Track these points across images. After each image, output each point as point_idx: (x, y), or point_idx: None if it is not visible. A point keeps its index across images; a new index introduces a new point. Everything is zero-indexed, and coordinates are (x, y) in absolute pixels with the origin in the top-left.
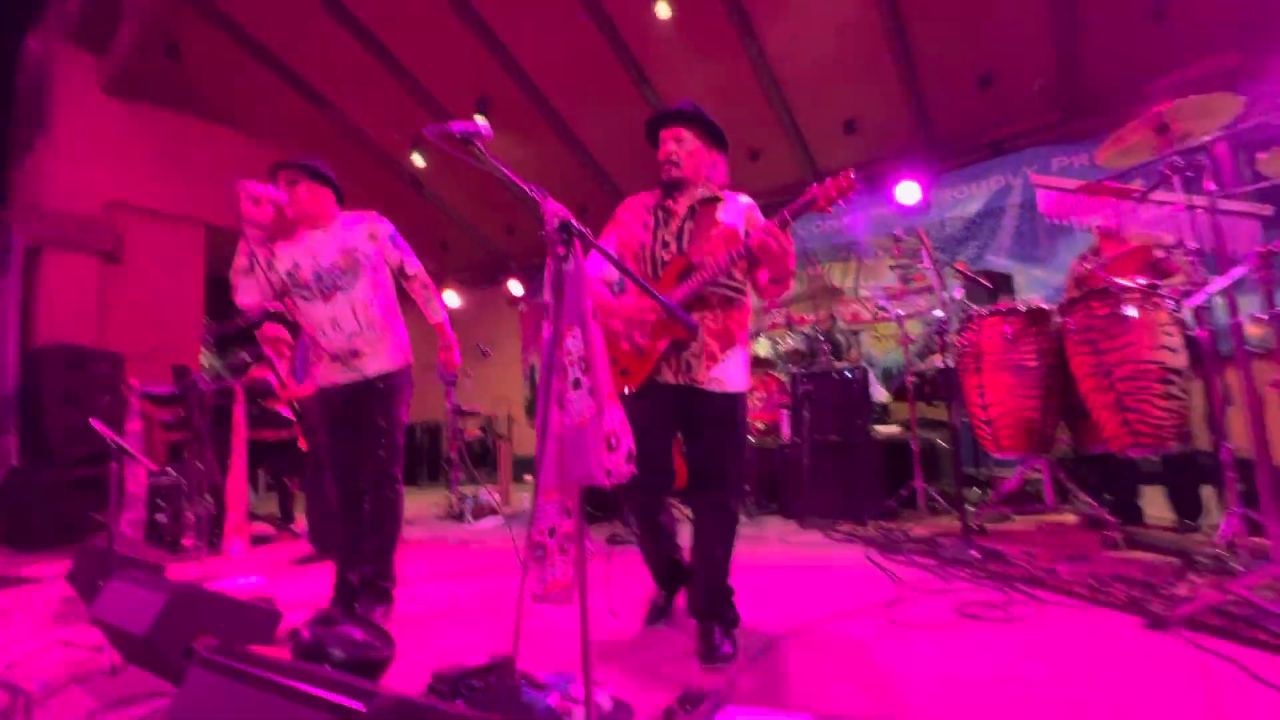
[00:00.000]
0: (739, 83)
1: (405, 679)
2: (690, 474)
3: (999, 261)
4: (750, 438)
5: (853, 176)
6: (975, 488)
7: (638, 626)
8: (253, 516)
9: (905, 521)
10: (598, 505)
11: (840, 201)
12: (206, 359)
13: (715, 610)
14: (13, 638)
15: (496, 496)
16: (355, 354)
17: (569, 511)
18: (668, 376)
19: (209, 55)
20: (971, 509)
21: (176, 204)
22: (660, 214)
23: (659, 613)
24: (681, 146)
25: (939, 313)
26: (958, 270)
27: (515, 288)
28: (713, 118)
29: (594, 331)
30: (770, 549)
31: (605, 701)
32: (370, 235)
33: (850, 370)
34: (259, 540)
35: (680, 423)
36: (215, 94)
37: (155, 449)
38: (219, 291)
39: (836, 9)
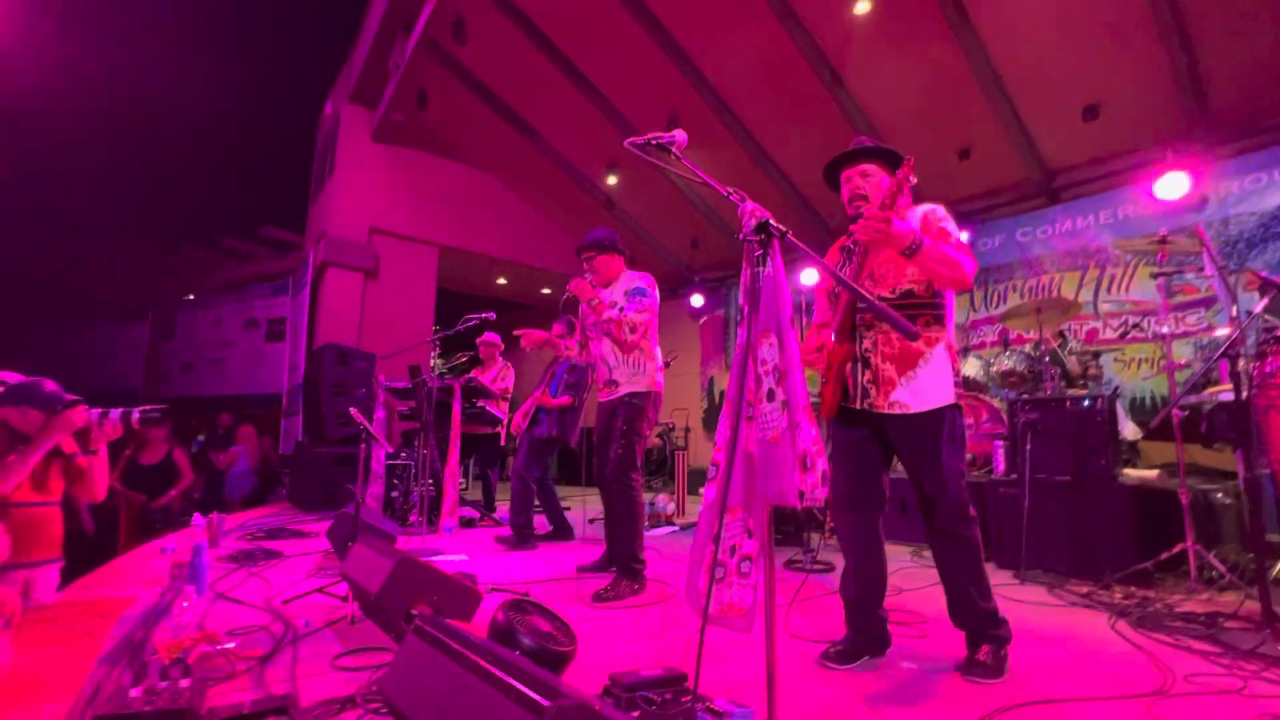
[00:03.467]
0: (948, 75)
1: (583, 676)
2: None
3: None
4: None
5: (910, 161)
6: None
7: (814, 659)
8: (462, 502)
9: (1166, 592)
10: (775, 528)
11: (908, 191)
12: (435, 360)
13: (980, 630)
14: (289, 580)
15: (672, 506)
16: (613, 384)
17: (750, 532)
18: (855, 403)
19: (447, 101)
20: (1278, 588)
21: (417, 228)
22: (845, 253)
23: (840, 656)
24: (868, 180)
25: (1223, 331)
26: (1257, 276)
27: (697, 300)
28: (894, 131)
29: (790, 340)
30: None
31: None
32: (625, 292)
33: (1090, 399)
34: (465, 523)
35: (884, 448)
36: (450, 134)
37: (394, 436)
38: (446, 302)
39: None
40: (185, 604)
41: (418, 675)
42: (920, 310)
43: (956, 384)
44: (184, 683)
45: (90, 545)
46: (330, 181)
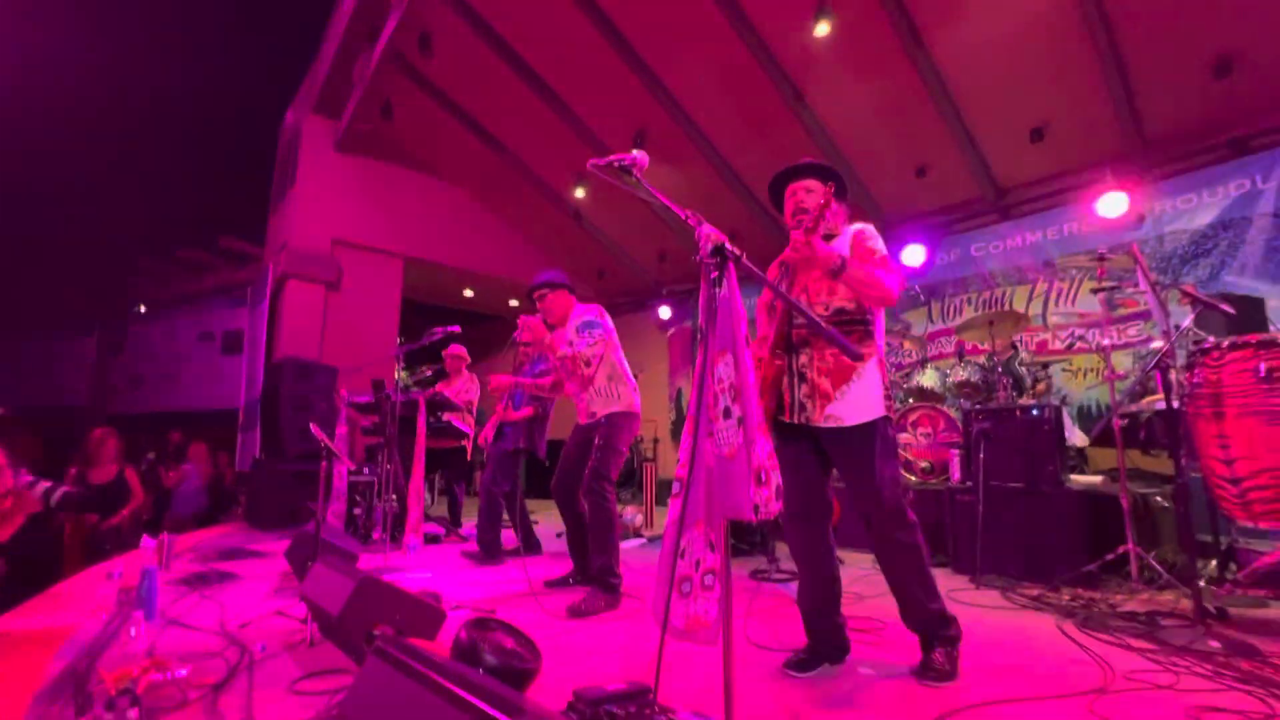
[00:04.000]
0: (905, 95)
1: (548, 693)
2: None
3: (1242, 283)
4: (911, 476)
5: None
6: (1212, 560)
7: (777, 667)
8: (427, 518)
9: (1110, 592)
10: (741, 539)
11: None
12: (399, 374)
13: (931, 632)
14: (244, 602)
15: (640, 518)
16: (591, 414)
17: (713, 545)
18: (790, 417)
19: (412, 111)
20: (1208, 586)
21: (382, 239)
22: (783, 268)
23: (800, 664)
24: (811, 197)
25: (1157, 343)
26: (1185, 293)
27: (664, 312)
28: (856, 149)
29: (745, 359)
30: None
31: None
32: (576, 328)
33: (1039, 408)
34: (430, 539)
35: (821, 460)
36: (415, 144)
37: (357, 451)
38: (411, 314)
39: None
40: (133, 631)
41: (378, 697)
42: (852, 326)
43: (886, 396)
44: (131, 714)
45: (31, 569)
46: (291, 192)
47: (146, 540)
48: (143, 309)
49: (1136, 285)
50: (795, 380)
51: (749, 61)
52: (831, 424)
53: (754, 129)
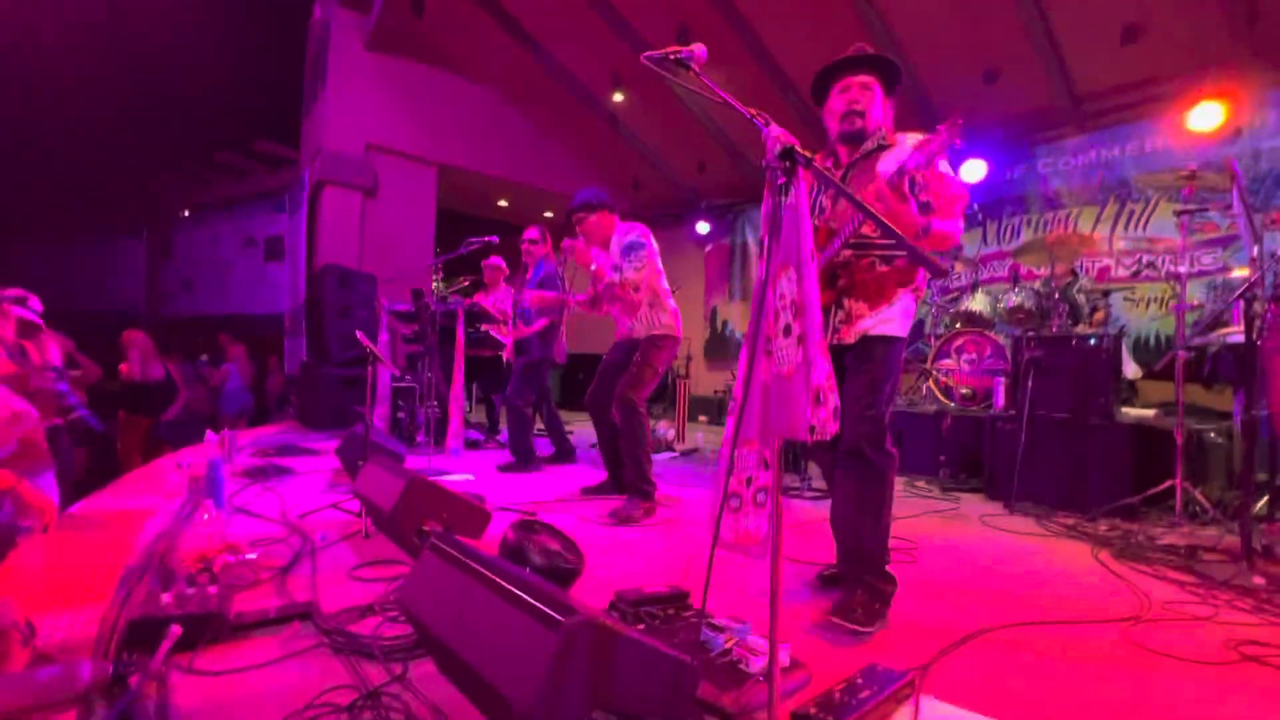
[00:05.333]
0: None
1: (589, 593)
2: None
3: None
4: (950, 401)
5: (959, 123)
6: (1264, 497)
7: (810, 580)
8: (467, 424)
9: (1150, 525)
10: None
11: (945, 154)
12: (436, 283)
13: (859, 575)
14: (303, 496)
15: (672, 432)
16: (631, 331)
17: (766, 463)
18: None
19: (444, 7)
20: (1258, 525)
21: (416, 145)
22: (820, 182)
23: (833, 579)
24: (866, 94)
25: (1240, 272)
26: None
27: (702, 227)
28: (919, 49)
29: (809, 274)
30: (968, 530)
31: (784, 657)
32: (620, 250)
33: (1096, 337)
34: (470, 445)
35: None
36: (447, 44)
37: (398, 358)
38: (445, 223)
39: None
40: (205, 516)
41: (434, 589)
42: (898, 251)
43: (932, 318)
44: (211, 589)
45: (99, 465)
46: (323, 93)
47: (210, 435)
48: (186, 214)
49: (1227, 208)
50: (833, 308)
51: None
52: (854, 338)
53: (807, 23)
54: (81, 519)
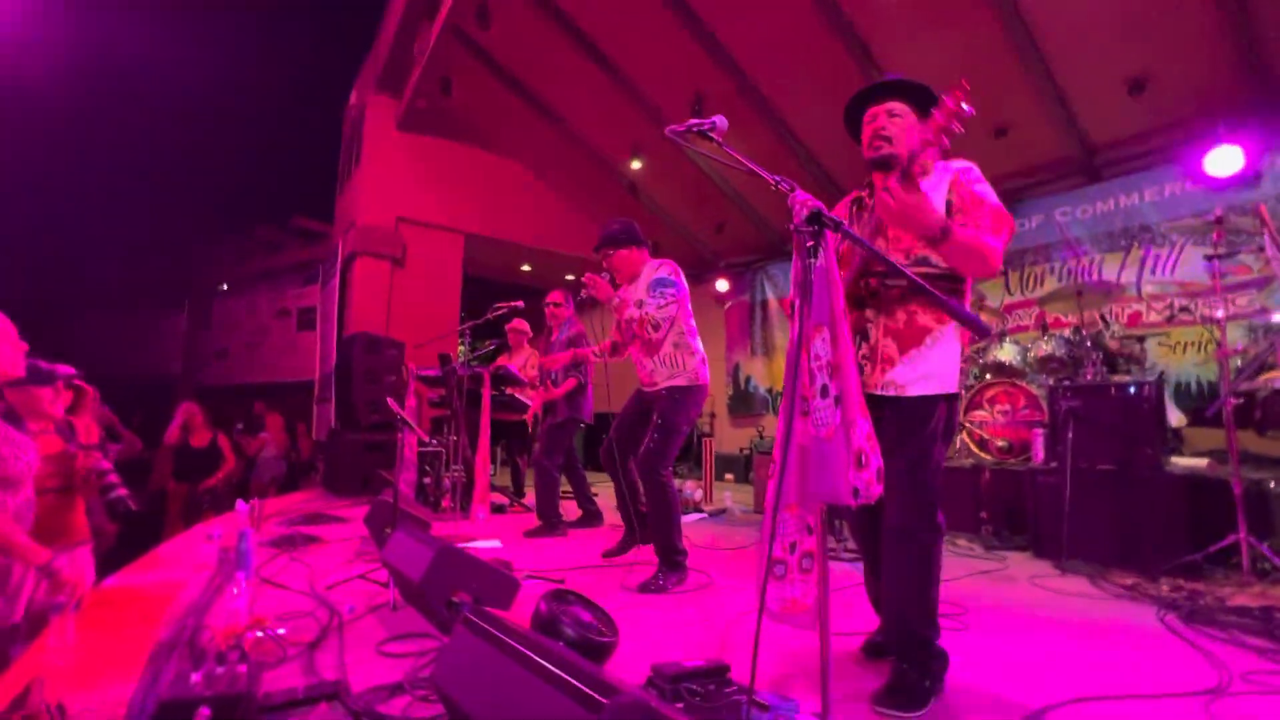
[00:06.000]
0: (985, 48)
1: (623, 666)
2: None
3: None
4: (987, 455)
5: (965, 86)
6: None
7: (853, 651)
8: (492, 488)
9: (1216, 584)
10: None
11: (956, 124)
12: (461, 348)
13: (906, 655)
14: (329, 564)
15: (699, 493)
16: (652, 381)
17: (810, 529)
18: None
19: (471, 86)
20: None
21: (443, 216)
22: (855, 208)
23: (876, 649)
24: (894, 121)
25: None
26: None
27: (722, 285)
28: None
29: (843, 333)
30: (1018, 591)
31: None
32: (647, 286)
33: (1136, 384)
34: (496, 509)
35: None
36: (473, 120)
37: (424, 423)
38: (471, 288)
39: None
40: (236, 590)
41: (468, 666)
42: (935, 282)
43: (962, 370)
44: (240, 668)
45: (137, 533)
46: (357, 171)
47: (240, 504)
48: (225, 286)
49: (1260, 250)
50: (857, 338)
51: (814, 18)
52: (890, 391)
53: (819, 92)
54: (112, 594)
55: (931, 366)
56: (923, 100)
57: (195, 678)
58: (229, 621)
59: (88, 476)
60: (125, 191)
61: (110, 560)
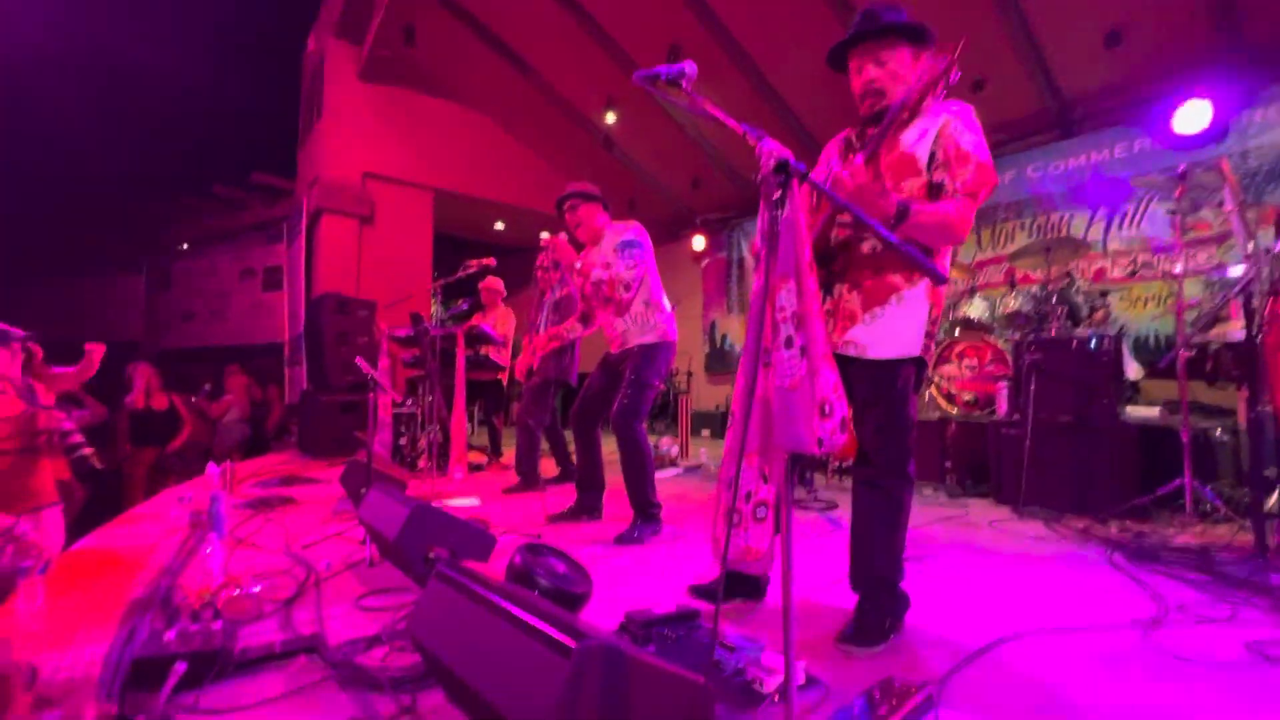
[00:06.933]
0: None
1: (599, 614)
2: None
3: None
4: (954, 409)
5: (959, 49)
6: (1277, 494)
7: (822, 597)
8: (469, 447)
9: (1162, 525)
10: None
11: (940, 87)
12: (435, 307)
13: (869, 595)
14: (305, 525)
15: (675, 449)
16: (624, 343)
17: (766, 477)
18: None
19: (436, 34)
20: (1270, 521)
21: (411, 172)
22: (845, 147)
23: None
24: (884, 69)
25: (1236, 269)
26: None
27: (698, 242)
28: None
29: (809, 285)
30: (977, 534)
31: (799, 675)
32: (614, 247)
33: (1096, 338)
34: (474, 468)
35: None
36: (439, 70)
37: (398, 383)
38: (442, 247)
39: None
40: (209, 550)
41: (443, 617)
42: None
43: (928, 334)
44: (215, 625)
45: (104, 497)
46: (319, 124)
47: (211, 467)
48: (185, 246)
49: (1220, 205)
50: (820, 291)
51: None
52: (850, 351)
53: (794, 41)
54: (83, 556)
55: (895, 326)
56: (914, 34)
57: (169, 635)
58: (203, 580)
59: (50, 437)
60: (75, 151)
61: (79, 524)
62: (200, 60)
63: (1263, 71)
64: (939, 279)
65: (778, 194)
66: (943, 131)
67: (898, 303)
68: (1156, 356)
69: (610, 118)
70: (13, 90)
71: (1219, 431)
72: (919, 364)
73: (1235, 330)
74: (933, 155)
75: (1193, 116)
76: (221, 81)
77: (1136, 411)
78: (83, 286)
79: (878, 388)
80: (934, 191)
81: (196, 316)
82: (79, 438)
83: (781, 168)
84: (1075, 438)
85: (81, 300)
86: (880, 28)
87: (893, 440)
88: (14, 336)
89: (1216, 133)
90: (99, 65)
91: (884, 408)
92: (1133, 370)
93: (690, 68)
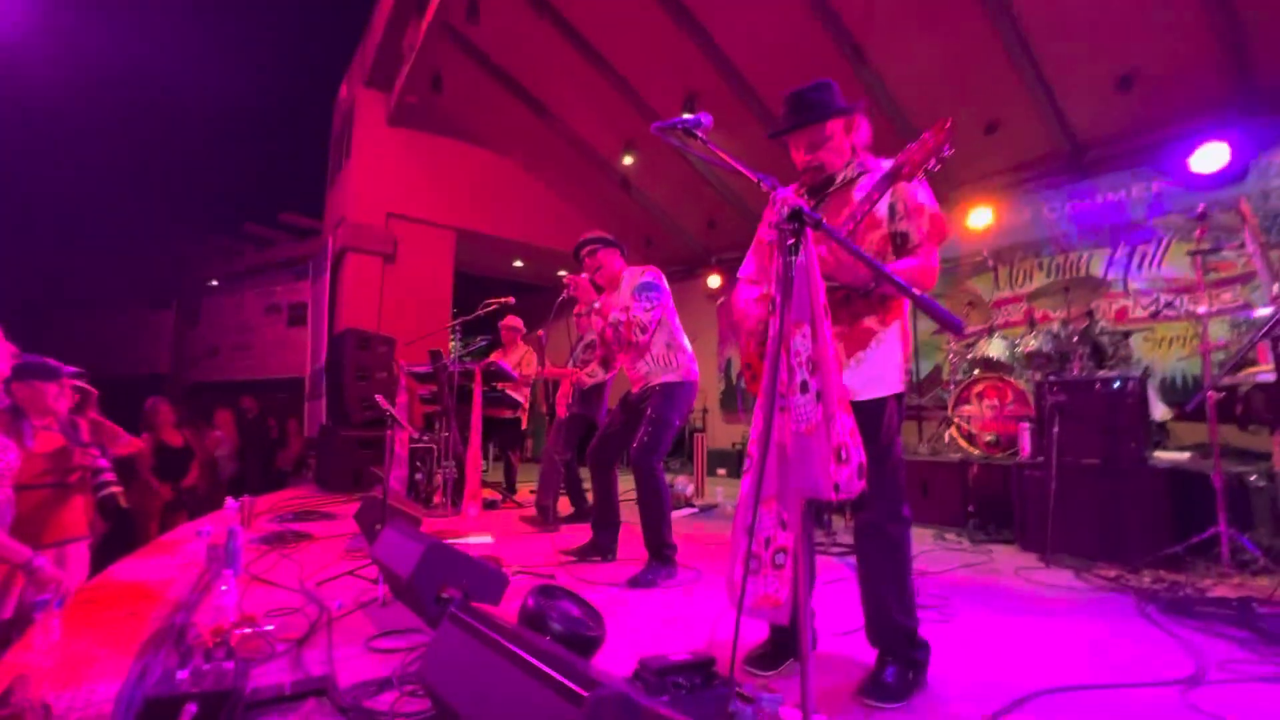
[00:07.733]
0: (975, 46)
1: (612, 660)
2: None
3: None
4: (974, 449)
5: (948, 126)
6: None
7: (842, 646)
8: (484, 484)
9: (1197, 575)
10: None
11: (934, 162)
12: (453, 344)
13: (891, 649)
14: (319, 561)
15: (691, 488)
16: (645, 379)
17: (784, 524)
18: None
19: (462, 82)
20: None
21: (434, 213)
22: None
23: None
24: (820, 148)
25: (1263, 310)
26: None
27: (714, 281)
28: (919, 107)
29: (824, 330)
30: (1004, 583)
31: None
32: (631, 290)
33: (1121, 379)
34: (488, 505)
35: None
36: (465, 116)
37: (415, 419)
38: (462, 285)
39: None
40: (224, 587)
41: (454, 661)
42: (885, 286)
43: (905, 370)
44: (227, 665)
45: (125, 530)
46: (347, 166)
47: (230, 501)
48: (214, 283)
49: (1241, 246)
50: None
51: (805, 16)
52: None
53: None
54: (100, 589)
55: (878, 369)
56: (841, 111)
57: (182, 675)
58: (216, 618)
59: (84, 474)
60: (112, 189)
61: (96, 558)
62: (236, 104)
63: (1277, 113)
64: (958, 329)
65: (791, 241)
66: (897, 189)
67: (877, 345)
68: (1184, 398)
69: (628, 160)
70: (56, 130)
71: (1254, 477)
72: (901, 400)
73: (1265, 372)
74: (892, 207)
75: (1210, 156)
76: (255, 126)
77: (1165, 455)
78: (114, 321)
79: (868, 429)
80: (896, 239)
81: (221, 351)
82: (111, 475)
83: (796, 215)
84: (1102, 482)
85: (112, 334)
86: (806, 119)
87: (886, 479)
88: (63, 373)
89: (1236, 173)
90: (140, 102)
91: (876, 447)
92: (1159, 411)
93: (706, 119)
